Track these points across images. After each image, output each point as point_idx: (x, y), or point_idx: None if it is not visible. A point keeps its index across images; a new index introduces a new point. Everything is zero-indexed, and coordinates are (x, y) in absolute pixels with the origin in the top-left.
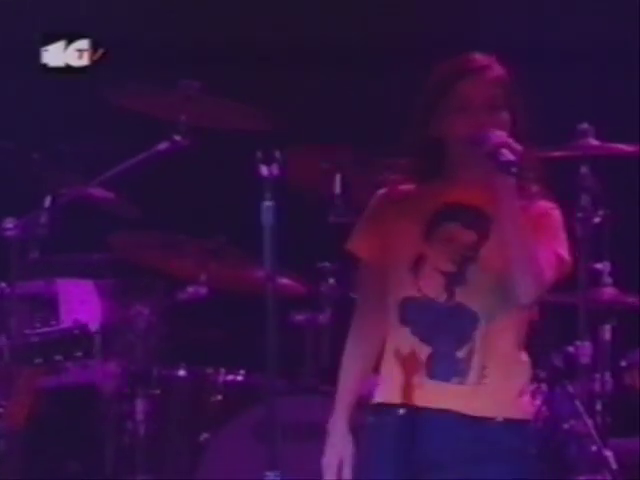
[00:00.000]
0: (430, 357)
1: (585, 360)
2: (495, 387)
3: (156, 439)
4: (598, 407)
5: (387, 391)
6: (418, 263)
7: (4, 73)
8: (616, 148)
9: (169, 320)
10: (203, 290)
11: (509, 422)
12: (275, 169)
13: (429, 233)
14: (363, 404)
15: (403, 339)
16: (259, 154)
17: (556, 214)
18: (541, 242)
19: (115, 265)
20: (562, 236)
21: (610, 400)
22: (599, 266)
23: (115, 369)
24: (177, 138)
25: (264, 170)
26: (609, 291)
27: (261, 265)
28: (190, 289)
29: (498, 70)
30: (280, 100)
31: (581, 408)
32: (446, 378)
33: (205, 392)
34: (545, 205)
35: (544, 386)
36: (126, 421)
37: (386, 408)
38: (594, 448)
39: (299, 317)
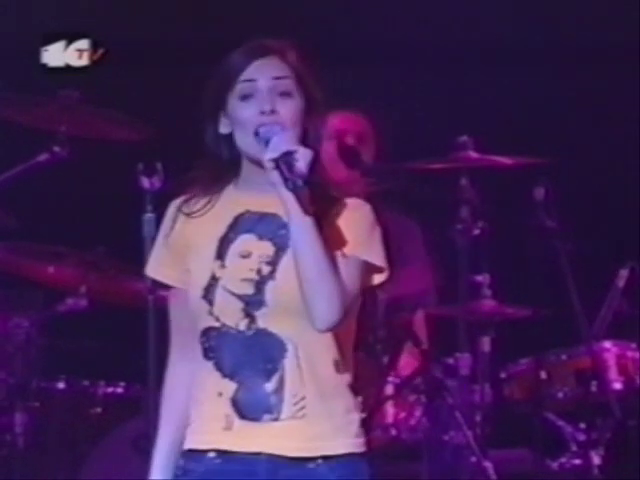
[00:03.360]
0: (237, 394)
1: (465, 371)
2: (316, 419)
3: (35, 452)
4: (478, 418)
5: (195, 435)
6: (210, 287)
7: (4, 73)
8: (495, 160)
9: (48, 332)
10: (83, 302)
11: (332, 460)
12: (156, 181)
13: (221, 250)
14: None
15: (207, 376)
16: (140, 166)
17: (365, 212)
18: (347, 252)
19: None
20: (374, 239)
21: (489, 411)
22: (479, 278)
23: None
24: (56, 149)
25: (145, 182)
26: (488, 303)
27: (142, 277)
28: (70, 301)
29: (290, 55)
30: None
31: (461, 419)
32: (256, 417)
33: (84, 404)
34: (351, 203)
35: (424, 397)
36: (5, 434)
37: (195, 455)
38: (473, 459)
39: None
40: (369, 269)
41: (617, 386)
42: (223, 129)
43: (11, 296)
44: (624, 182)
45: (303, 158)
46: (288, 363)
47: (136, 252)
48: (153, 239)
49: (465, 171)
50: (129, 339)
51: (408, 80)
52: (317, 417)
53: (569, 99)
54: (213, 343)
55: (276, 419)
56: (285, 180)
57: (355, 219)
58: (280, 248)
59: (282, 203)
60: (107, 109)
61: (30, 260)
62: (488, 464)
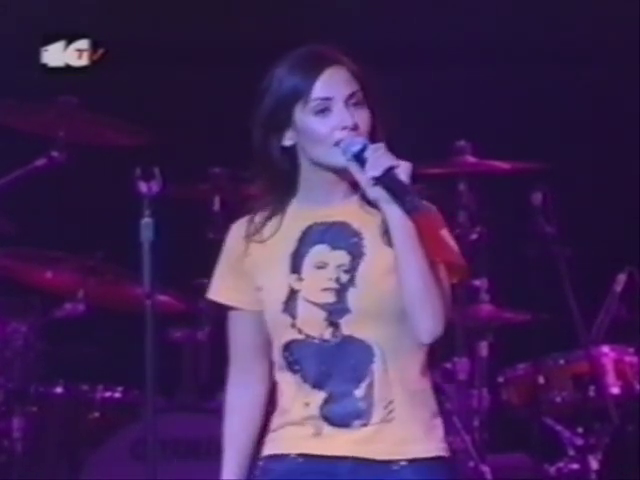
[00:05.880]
0: (326, 403)
1: (462, 376)
2: (404, 423)
3: (33, 457)
4: (475, 423)
5: (280, 442)
6: (290, 301)
7: (4, 73)
8: (492, 165)
9: (46, 337)
10: (81, 307)
11: (417, 462)
12: (154, 186)
13: (296, 264)
14: None
15: (294, 388)
16: (138, 171)
17: (438, 214)
18: (433, 256)
19: None
20: (450, 239)
21: (487, 416)
22: (476, 283)
23: None
24: (54, 154)
25: (143, 187)
26: (486, 308)
27: (140, 282)
28: (68, 306)
29: (350, 64)
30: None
31: (459, 424)
32: (347, 423)
33: (83, 409)
34: (426, 206)
35: None
36: (3, 439)
37: (276, 458)
38: (471, 464)
39: (177, 334)
40: (451, 270)
41: (615, 391)
42: (287, 142)
43: (9, 301)
44: (622, 186)
45: (404, 172)
46: (376, 368)
47: (134, 257)
48: (151, 244)
49: (463, 176)
50: (127, 344)
51: (405, 84)
52: (405, 420)
53: (566, 103)
54: (297, 356)
55: (366, 424)
56: (402, 201)
57: (436, 223)
58: (355, 256)
59: (357, 204)
60: (105, 115)
61: (28, 265)
62: (486, 469)
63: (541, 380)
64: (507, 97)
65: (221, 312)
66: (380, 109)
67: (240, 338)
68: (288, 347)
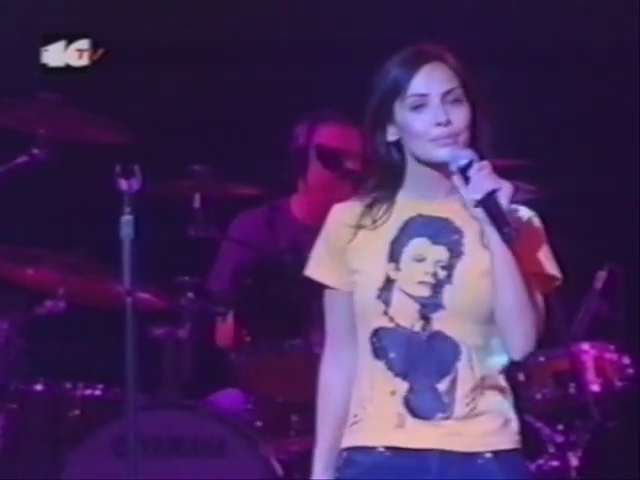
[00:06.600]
0: (409, 393)
1: None
2: (486, 417)
3: (13, 454)
4: None
5: (363, 433)
6: (386, 289)
7: (4, 73)
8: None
9: (27, 334)
10: (62, 304)
11: (501, 455)
12: (134, 183)
13: (395, 253)
14: None
15: (377, 375)
16: (118, 168)
17: (538, 222)
18: (532, 269)
19: None
20: (548, 249)
21: None
22: None
23: None
24: (36, 152)
25: (123, 184)
26: None
27: (120, 279)
28: (48, 303)
29: (452, 60)
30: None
31: None
32: (429, 415)
33: (63, 407)
34: (525, 214)
35: None
36: None
37: (362, 450)
38: None
39: (158, 331)
40: (546, 280)
41: (595, 388)
42: (390, 137)
43: None
44: (605, 184)
45: (505, 195)
46: (461, 365)
47: (114, 254)
48: (131, 241)
49: None
50: (108, 341)
51: None
52: (487, 415)
53: (555, 100)
54: (385, 343)
55: (448, 417)
56: (499, 230)
57: (535, 233)
58: (455, 254)
59: (460, 203)
60: (86, 112)
61: (9, 262)
62: None
63: (521, 377)
64: (506, 96)
65: (202, 309)
66: (482, 107)
67: (335, 317)
68: (377, 333)
